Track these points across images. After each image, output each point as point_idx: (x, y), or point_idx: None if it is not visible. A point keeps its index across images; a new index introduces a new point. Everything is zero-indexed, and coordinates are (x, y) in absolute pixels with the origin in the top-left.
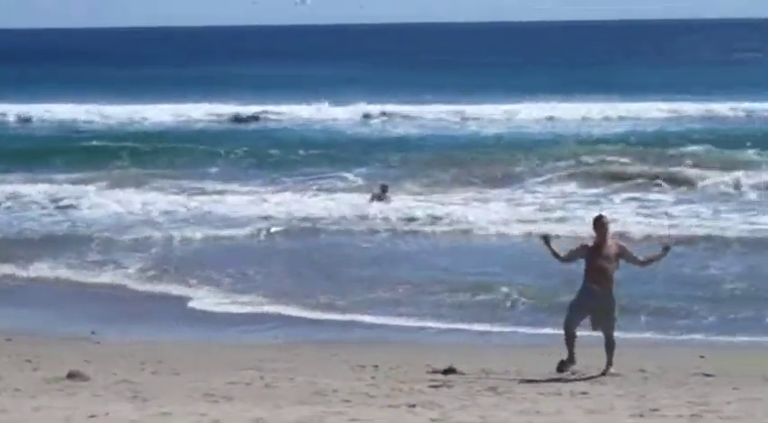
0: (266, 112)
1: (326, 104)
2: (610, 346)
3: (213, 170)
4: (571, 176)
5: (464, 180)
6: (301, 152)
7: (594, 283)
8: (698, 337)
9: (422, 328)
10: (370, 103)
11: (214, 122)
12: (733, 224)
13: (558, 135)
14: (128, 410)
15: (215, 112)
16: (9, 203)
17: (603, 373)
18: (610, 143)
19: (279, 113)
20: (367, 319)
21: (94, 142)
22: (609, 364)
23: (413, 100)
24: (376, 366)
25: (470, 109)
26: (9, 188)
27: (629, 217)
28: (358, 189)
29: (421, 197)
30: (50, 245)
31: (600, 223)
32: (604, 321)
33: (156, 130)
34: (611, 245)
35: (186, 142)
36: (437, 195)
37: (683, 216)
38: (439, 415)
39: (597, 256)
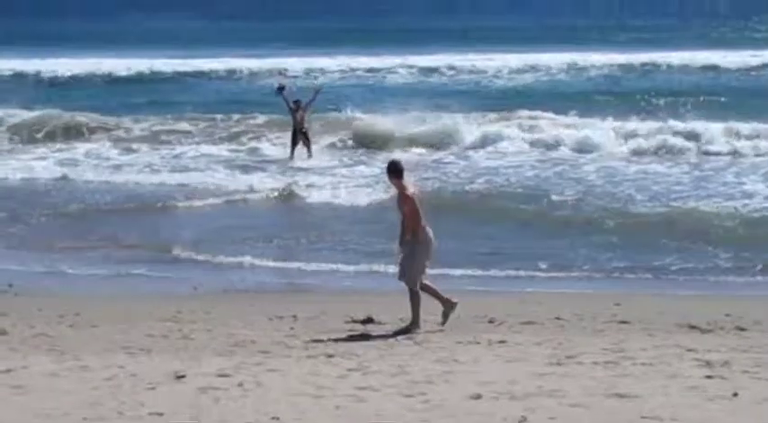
0: None
1: None
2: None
3: None
4: None
5: None
6: None
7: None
8: (613, 284)
9: (338, 272)
10: None
11: None
12: None
13: None
14: (45, 364)
15: None
16: None
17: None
18: None
19: None
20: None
21: None
22: (442, 300)
23: None
24: (294, 317)
25: None
26: None
27: None
28: None
29: None
30: None
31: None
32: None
33: None
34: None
35: None
36: None
37: None
38: (357, 365)
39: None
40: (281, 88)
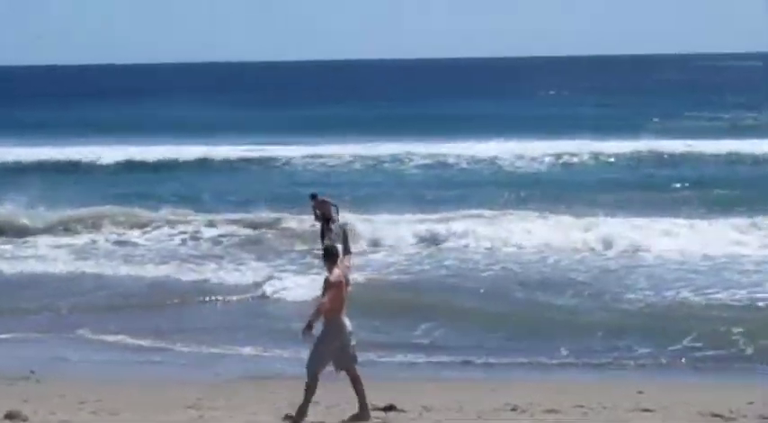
0: None
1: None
2: (359, 382)
3: None
4: None
5: None
6: None
7: (344, 316)
8: (635, 372)
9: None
10: None
11: None
12: None
13: None
14: None
15: None
16: None
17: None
18: None
19: None
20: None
21: None
22: (363, 405)
23: None
24: (316, 403)
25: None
26: None
27: None
28: None
29: None
30: None
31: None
32: (349, 357)
33: None
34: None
35: None
36: None
37: None
38: None
39: (346, 284)
40: (313, 196)
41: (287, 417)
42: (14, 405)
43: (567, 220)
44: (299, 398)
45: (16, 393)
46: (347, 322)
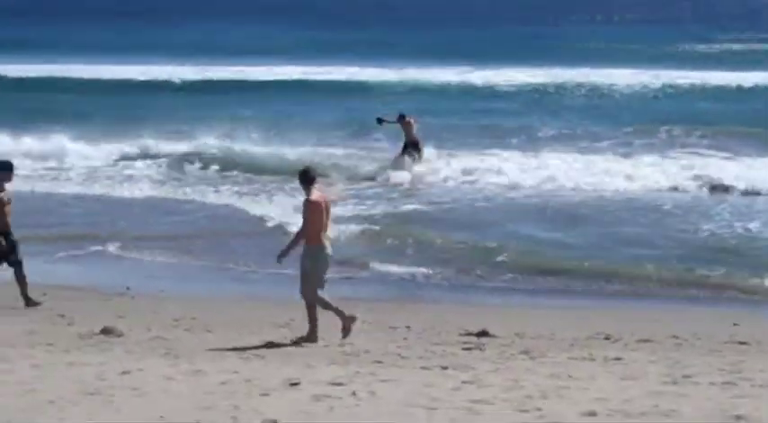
0: None
1: None
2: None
3: None
4: None
5: None
6: None
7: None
8: (732, 303)
9: (455, 288)
10: None
11: None
12: None
13: None
14: (160, 367)
15: None
16: None
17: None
18: None
19: None
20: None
21: None
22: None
23: None
24: (408, 327)
25: None
26: None
27: None
28: None
29: None
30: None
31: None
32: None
33: None
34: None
35: None
36: None
37: None
38: (471, 377)
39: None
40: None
41: (297, 340)
42: (110, 321)
43: None
44: (393, 319)
45: (112, 309)
46: (328, 245)
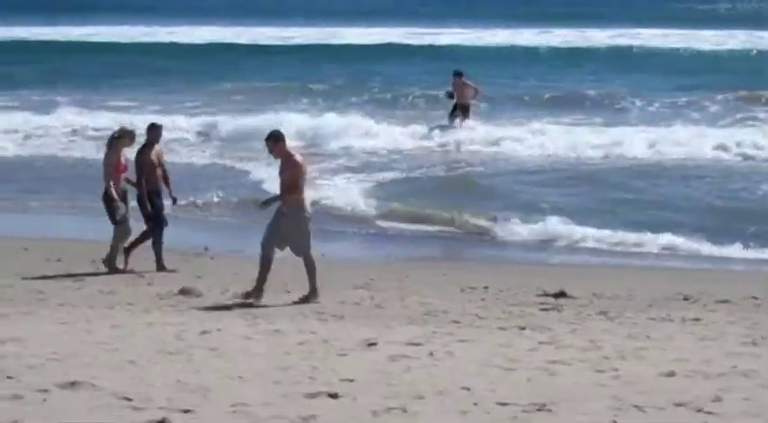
0: None
1: None
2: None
3: None
4: None
5: None
6: None
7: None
8: None
9: (531, 248)
10: None
11: None
12: None
13: None
14: (239, 327)
15: None
16: None
17: (305, 299)
18: None
19: None
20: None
21: None
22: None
23: None
24: (486, 288)
25: None
26: None
27: None
28: None
29: None
30: None
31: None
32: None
33: None
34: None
35: None
36: None
37: None
38: (548, 338)
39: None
40: (450, 95)
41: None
42: (189, 281)
43: None
44: (471, 280)
45: (190, 270)
46: (308, 205)
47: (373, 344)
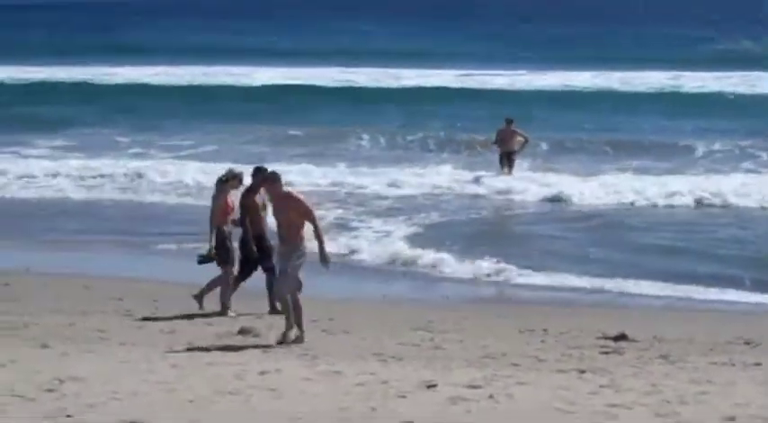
0: None
1: None
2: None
3: None
4: None
5: None
6: None
7: None
8: None
9: (593, 292)
10: None
11: None
12: None
13: None
14: (298, 368)
15: None
16: None
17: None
18: None
19: None
20: (537, 280)
21: None
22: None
23: None
24: (545, 330)
25: None
26: None
27: None
28: None
29: None
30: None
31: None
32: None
33: None
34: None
35: None
36: None
37: None
38: (609, 382)
39: None
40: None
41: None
42: (248, 321)
43: None
44: (530, 322)
45: (257, 310)
46: (306, 244)
47: (433, 386)
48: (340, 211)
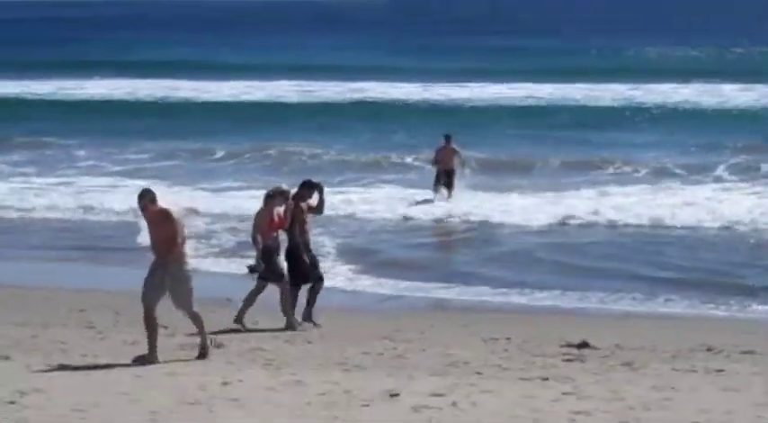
0: None
1: None
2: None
3: None
4: None
5: None
6: None
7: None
8: None
9: (554, 299)
10: None
11: None
12: None
13: None
14: (261, 378)
15: None
16: None
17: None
18: None
19: None
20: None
21: None
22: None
23: None
24: (508, 339)
25: None
26: None
27: None
28: None
29: None
30: None
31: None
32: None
33: None
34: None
35: None
36: None
37: None
38: (572, 389)
39: None
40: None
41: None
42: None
43: None
44: (493, 330)
45: (213, 321)
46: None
47: (396, 395)
48: None
